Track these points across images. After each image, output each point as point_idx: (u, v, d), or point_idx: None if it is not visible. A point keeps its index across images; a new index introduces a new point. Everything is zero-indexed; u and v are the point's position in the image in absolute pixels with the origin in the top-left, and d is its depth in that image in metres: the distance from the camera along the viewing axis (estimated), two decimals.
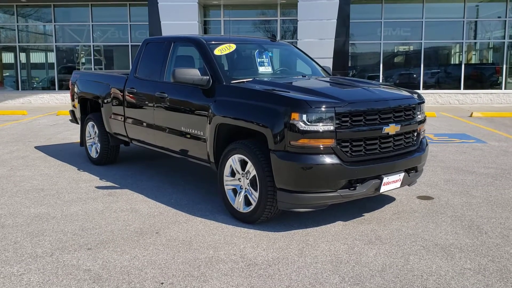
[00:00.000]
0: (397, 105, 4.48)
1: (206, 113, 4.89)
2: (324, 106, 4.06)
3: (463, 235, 4.25)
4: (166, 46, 5.85)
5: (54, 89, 19.07)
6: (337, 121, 4.09)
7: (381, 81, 17.74)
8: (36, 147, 8.79)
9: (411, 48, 18.27)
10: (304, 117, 4.01)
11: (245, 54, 5.76)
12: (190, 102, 5.20)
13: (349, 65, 17.52)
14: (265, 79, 5.12)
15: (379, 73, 17.73)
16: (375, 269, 3.59)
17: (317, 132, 4.04)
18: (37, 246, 4.06)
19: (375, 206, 5.08)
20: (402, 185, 4.60)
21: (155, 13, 16.09)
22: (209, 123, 4.83)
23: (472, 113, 13.65)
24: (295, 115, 4.03)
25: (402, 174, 4.52)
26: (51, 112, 15.15)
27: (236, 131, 4.72)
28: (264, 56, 5.57)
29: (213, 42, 5.40)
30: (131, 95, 6.21)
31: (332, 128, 4.06)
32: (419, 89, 17.50)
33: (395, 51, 18.45)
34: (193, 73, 4.94)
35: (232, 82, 4.91)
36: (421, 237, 4.22)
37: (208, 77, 4.97)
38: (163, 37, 6.33)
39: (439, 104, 17.16)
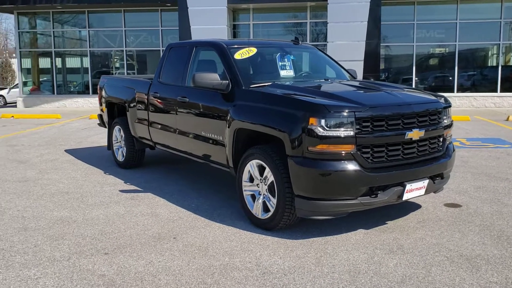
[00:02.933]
0: (421, 110, 4.31)
1: (226, 117, 4.85)
2: (343, 111, 3.95)
3: (491, 246, 4.04)
4: (188, 51, 5.85)
5: (88, 93, 19.52)
6: (358, 126, 3.96)
7: (414, 84, 17.35)
8: (66, 150, 8.97)
9: (445, 50, 17.79)
10: (323, 122, 3.91)
11: (267, 57, 5.69)
12: (210, 106, 5.17)
13: (381, 67, 17.22)
14: (285, 83, 5.03)
15: (412, 75, 17.34)
16: (394, 280, 3.44)
17: (336, 137, 3.92)
18: (55, 250, 4.10)
19: (399, 214, 4.91)
20: (426, 192, 4.43)
21: (185, 18, 16.25)
22: (228, 128, 4.78)
23: (508, 116, 13.15)
24: (313, 120, 3.93)
25: (427, 181, 4.35)
26: (84, 116, 15.49)
27: (254, 136, 4.65)
28: (286, 59, 5.48)
29: (233, 46, 5.36)
30: (154, 100, 6.24)
31: (352, 133, 3.94)
32: (453, 92, 17.03)
33: (429, 53, 18.00)
34: (213, 78, 4.91)
35: (251, 86, 4.85)
36: (446, 247, 4.04)
37: (227, 81, 4.93)
38: (185, 41, 6.34)
39: (474, 108, 16.64)
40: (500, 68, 16.97)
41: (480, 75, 17.82)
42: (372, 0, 15.37)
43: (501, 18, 16.68)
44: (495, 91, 16.95)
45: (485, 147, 8.72)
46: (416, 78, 17.48)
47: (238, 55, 5.21)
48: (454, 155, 4.80)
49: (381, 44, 16.33)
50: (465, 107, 16.70)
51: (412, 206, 5.14)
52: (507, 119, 13.00)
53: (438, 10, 17.20)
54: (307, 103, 4.09)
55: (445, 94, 4.80)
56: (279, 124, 4.18)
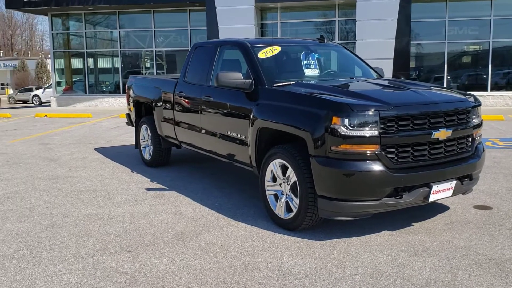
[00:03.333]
0: (449, 109, 4.19)
1: (249, 116, 4.83)
2: (367, 110, 3.87)
3: None
4: (213, 50, 5.87)
5: (119, 93, 19.85)
6: (382, 126, 3.88)
7: (445, 82, 16.95)
8: (96, 149, 9.14)
9: (478, 47, 17.31)
10: (346, 121, 3.85)
11: (291, 56, 5.64)
12: (234, 105, 5.17)
13: (412, 66, 16.90)
14: (309, 81, 4.98)
15: (444, 74, 16.95)
16: (418, 284, 3.35)
17: (360, 137, 3.85)
18: (81, 247, 4.17)
19: (426, 216, 4.79)
20: (454, 194, 4.30)
21: (213, 18, 16.34)
22: (251, 127, 4.77)
23: None
24: (336, 119, 3.87)
25: (454, 182, 4.22)
26: (115, 115, 15.76)
27: (277, 135, 4.62)
28: (310, 58, 5.43)
29: (257, 45, 5.34)
30: (180, 99, 6.29)
31: (376, 133, 3.86)
32: (486, 90, 16.56)
33: (461, 51, 17.56)
34: (236, 77, 4.90)
35: (274, 85, 4.82)
36: (474, 250, 3.91)
37: (250, 80, 4.92)
38: (210, 41, 6.36)
39: (508, 107, 16.14)
40: None
41: None
42: None
43: None
44: None
45: None
46: (448, 77, 17.08)
47: (261, 54, 5.18)
48: (484, 156, 4.65)
49: (411, 42, 16.01)
50: (499, 106, 16.21)
51: (439, 208, 5.01)
52: None
53: (471, 6, 16.75)
54: (330, 102, 4.04)
55: (478, 93, 4.68)
56: (302, 123, 4.13)
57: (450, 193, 4.23)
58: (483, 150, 4.67)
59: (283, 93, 4.59)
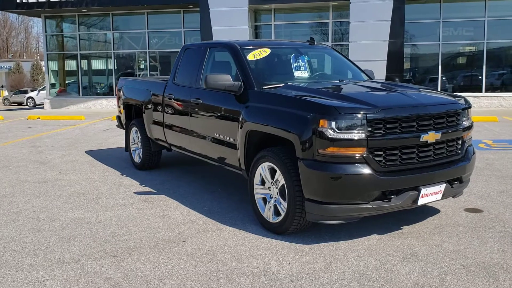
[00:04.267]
0: (438, 111, 4.15)
1: (238, 119, 4.78)
2: (354, 112, 3.83)
3: (511, 254, 3.85)
4: (202, 52, 5.82)
5: (112, 95, 19.77)
6: (369, 128, 3.84)
7: (440, 84, 16.95)
8: (87, 152, 9.07)
9: (473, 48, 17.32)
10: (333, 124, 3.80)
11: (281, 58, 5.60)
12: (223, 108, 5.12)
13: (406, 67, 16.89)
14: (298, 84, 4.94)
15: (438, 75, 16.95)
16: None
17: (347, 140, 3.81)
18: (66, 252, 4.10)
19: (416, 219, 4.75)
20: (444, 197, 4.26)
21: (207, 19, 16.29)
22: (240, 129, 4.72)
23: None
24: (323, 122, 3.82)
25: (444, 185, 4.18)
26: (107, 117, 15.67)
27: (266, 138, 4.57)
28: (300, 60, 5.38)
29: (247, 47, 5.29)
30: (169, 101, 6.23)
31: (363, 136, 3.82)
32: (481, 91, 16.57)
33: (455, 52, 17.56)
34: (225, 79, 4.86)
35: (264, 87, 4.77)
36: (463, 254, 3.87)
37: (239, 82, 4.87)
38: (199, 43, 6.31)
39: (503, 108, 16.15)
40: None
41: (509, 74, 17.28)
42: None
43: None
44: None
45: (511, 149, 8.41)
46: (443, 78, 17.07)
47: (251, 56, 5.14)
48: (474, 158, 4.62)
49: (405, 43, 16.00)
50: (493, 107, 16.22)
51: (430, 211, 4.97)
52: None
53: (465, 7, 16.75)
54: (317, 105, 3.99)
55: (473, 94, 4.64)
56: (290, 126, 4.09)
57: (439, 196, 4.19)
58: (474, 153, 4.63)
59: (272, 95, 4.54)
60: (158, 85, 6.73)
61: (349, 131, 3.81)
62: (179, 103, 6.03)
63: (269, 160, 4.35)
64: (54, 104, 19.94)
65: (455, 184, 4.35)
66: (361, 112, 3.83)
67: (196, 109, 5.60)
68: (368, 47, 14.98)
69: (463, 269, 3.60)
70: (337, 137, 3.80)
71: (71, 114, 17.16)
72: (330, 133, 3.81)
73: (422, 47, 17.45)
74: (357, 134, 3.81)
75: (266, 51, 5.29)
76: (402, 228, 4.51)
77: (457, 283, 3.38)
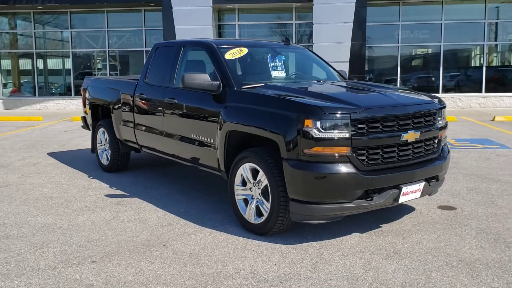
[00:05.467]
0: (416, 111, 4.23)
1: (217, 119, 4.71)
2: (339, 112, 3.84)
3: (489, 250, 3.97)
4: (176, 51, 5.69)
5: (70, 95, 19.15)
6: (353, 128, 3.86)
7: (398, 85, 17.38)
8: (49, 154, 8.72)
9: (430, 50, 17.87)
10: (318, 124, 3.80)
11: (258, 58, 5.56)
12: (200, 108, 5.03)
13: (366, 68, 17.21)
14: (278, 84, 4.91)
15: (397, 76, 17.38)
16: (394, 287, 3.34)
17: (331, 139, 3.82)
18: (40, 259, 3.91)
19: (394, 217, 4.82)
20: (422, 195, 4.35)
21: (169, 18, 16.04)
22: (220, 130, 4.64)
23: (494, 117, 13.23)
24: (308, 122, 3.81)
25: (422, 184, 4.27)
26: (66, 118, 15.17)
27: (247, 138, 4.52)
28: (277, 60, 5.36)
29: (224, 46, 5.22)
30: (140, 101, 6.07)
31: (347, 135, 3.84)
32: (438, 92, 17.10)
33: (413, 54, 18.07)
34: (203, 78, 4.77)
35: (243, 87, 4.72)
36: (444, 251, 3.95)
37: (218, 82, 4.79)
38: (173, 41, 6.18)
39: (459, 108, 16.74)
40: (484, 68, 17.10)
41: (464, 76, 17.94)
42: (357, 1, 15.34)
43: (485, 19, 16.81)
44: (480, 91, 17.07)
45: (473, 148, 8.72)
46: (401, 79, 17.51)
47: (229, 55, 5.07)
48: (449, 157, 4.74)
49: (366, 45, 16.31)
50: (450, 107, 16.76)
51: (406, 209, 5.06)
52: (493, 120, 13.08)
53: (423, 10, 17.25)
54: (302, 105, 3.98)
55: (430, 95, 4.72)
56: (274, 126, 4.05)
57: (418, 194, 4.28)
58: (448, 152, 4.75)
59: (254, 95, 4.49)
60: (128, 84, 6.54)
61: (333, 131, 3.82)
62: (151, 103, 5.88)
63: (251, 161, 4.30)
64: (7, 104, 19.11)
65: (432, 182, 4.45)
66: (345, 112, 3.85)
67: (170, 109, 5.48)
68: (331, 49, 15.16)
69: (447, 266, 3.67)
70: (322, 136, 3.81)
71: (27, 115, 16.48)
72: (315, 133, 3.80)
73: (382, 49, 17.84)
74: (341, 134, 3.83)
75: (244, 51, 5.23)
76: (381, 226, 4.57)
77: (442, 280, 3.44)
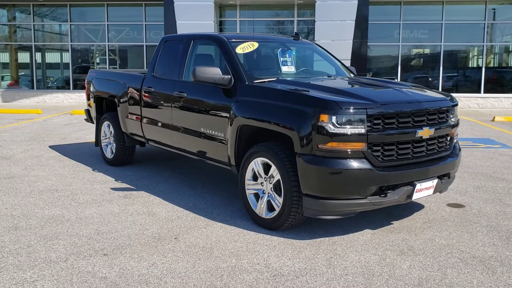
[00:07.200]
0: (430, 107, 4.22)
1: (227, 114, 4.67)
2: (355, 107, 3.82)
3: (502, 247, 3.97)
4: (185, 44, 5.65)
5: (69, 89, 19.04)
6: (369, 124, 3.84)
7: None
8: (51, 147, 8.66)
9: (431, 50, 17.90)
10: (334, 119, 3.78)
11: (268, 52, 5.54)
12: (210, 102, 4.99)
13: (367, 67, 17.22)
14: (289, 78, 4.89)
15: (397, 75, 17.40)
16: (411, 283, 3.33)
17: (347, 135, 3.80)
18: (51, 251, 3.87)
19: (404, 214, 4.82)
20: (434, 192, 4.34)
21: (171, 13, 15.97)
22: (230, 125, 4.61)
23: (494, 117, 13.27)
24: (323, 117, 3.79)
25: (435, 181, 4.26)
26: (66, 111, 15.08)
27: (258, 133, 4.49)
28: (287, 55, 5.34)
29: (234, 40, 5.19)
30: (148, 95, 6.03)
31: (363, 131, 3.82)
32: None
33: (414, 53, 18.09)
34: (214, 72, 4.73)
35: (255, 81, 4.69)
36: (457, 248, 3.95)
37: (229, 76, 4.76)
38: (182, 34, 6.12)
39: (459, 108, 16.78)
40: (483, 69, 17.15)
41: (463, 76, 17.99)
42: None
43: (485, 20, 16.86)
44: (479, 92, 17.13)
45: (476, 147, 8.74)
46: (401, 79, 17.53)
47: (240, 49, 5.03)
48: (461, 155, 4.74)
49: (367, 44, 16.31)
50: None
51: (415, 206, 5.06)
52: (493, 120, 13.12)
53: (424, 10, 17.28)
54: (318, 99, 3.95)
55: None
56: (288, 121, 4.02)
57: (431, 191, 4.27)
58: (460, 149, 4.75)
59: (267, 89, 4.46)
60: (135, 77, 6.49)
61: (349, 126, 3.80)
62: (159, 96, 5.84)
63: (263, 155, 4.28)
64: (5, 97, 18.97)
65: (444, 179, 4.44)
66: (362, 107, 3.83)
67: (180, 103, 5.44)
68: (333, 46, 15.08)
69: (461, 263, 3.67)
70: (337, 132, 3.78)
71: (26, 107, 16.37)
72: (331, 128, 3.78)
73: (382, 47, 17.84)
74: (357, 129, 3.81)
75: (254, 45, 5.20)
76: (392, 223, 4.56)
77: (459, 276, 3.43)
